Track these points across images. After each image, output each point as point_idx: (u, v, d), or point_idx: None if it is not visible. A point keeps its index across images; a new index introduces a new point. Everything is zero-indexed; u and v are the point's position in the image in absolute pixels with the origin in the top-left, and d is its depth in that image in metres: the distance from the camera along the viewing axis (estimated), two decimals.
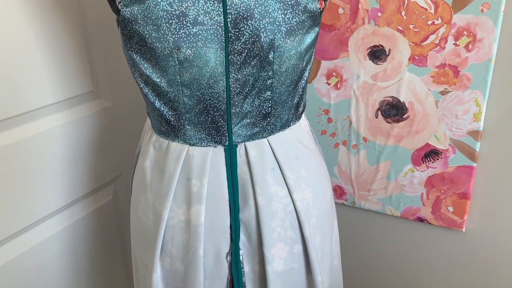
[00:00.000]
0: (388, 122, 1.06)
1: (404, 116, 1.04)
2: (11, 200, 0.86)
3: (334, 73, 1.07)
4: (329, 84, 1.09)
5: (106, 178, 1.08)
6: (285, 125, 0.73)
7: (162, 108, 0.70)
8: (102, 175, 1.06)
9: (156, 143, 0.74)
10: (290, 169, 0.73)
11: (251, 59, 0.65)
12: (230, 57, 0.64)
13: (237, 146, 0.71)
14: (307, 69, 0.73)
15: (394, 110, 1.04)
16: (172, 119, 0.70)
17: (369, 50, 1.02)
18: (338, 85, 1.08)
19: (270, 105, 0.70)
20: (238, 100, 0.67)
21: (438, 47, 0.95)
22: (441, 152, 1.03)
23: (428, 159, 1.05)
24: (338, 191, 1.18)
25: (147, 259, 0.77)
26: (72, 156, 0.98)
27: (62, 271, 1.00)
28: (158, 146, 0.74)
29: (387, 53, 1.00)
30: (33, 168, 0.89)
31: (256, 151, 0.71)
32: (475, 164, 1.00)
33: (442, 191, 1.05)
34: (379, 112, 1.06)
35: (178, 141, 0.71)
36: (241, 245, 0.74)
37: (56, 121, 0.94)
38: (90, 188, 1.04)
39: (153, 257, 0.74)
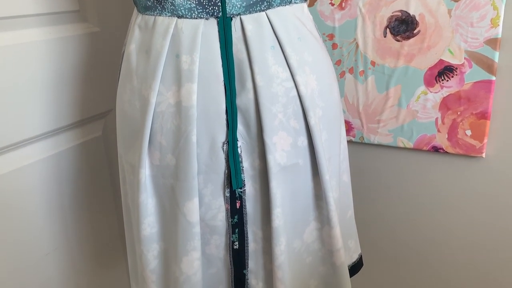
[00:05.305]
0: (398, 40, 0.98)
1: (415, 32, 0.96)
2: None
3: None
4: (333, 5, 1.01)
5: (94, 111, 1.00)
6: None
7: None
8: (89, 106, 0.99)
9: (141, 23, 0.66)
10: (293, 49, 0.65)
11: None
12: None
13: (231, 19, 0.63)
14: None
15: (403, 26, 0.96)
16: None
17: None
18: (343, 4, 1.00)
19: None
20: None
21: None
22: (456, 68, 0.94)
23: (442, 78, 0.96)
24: (345, 127, 1.09)
25: (134, 157, 0.68)
26: (55, 78, 0.90)
27: (45, 200, 0.92)
28: (144, 24, 0.66)
29: None
30: (10, 82, 0.82)
31: (254, 26, 0.63)
32: (494, 78, 0.92)
33: (459, 113, 0.97)
34: (388, 29, 0.98)
35: (165, 14, 0.63)
36: (238, 136, 0.66)
37: (36, 35, 0.86)
38: (76, 119, 0.96)
39: (140, 151, 0.66)
